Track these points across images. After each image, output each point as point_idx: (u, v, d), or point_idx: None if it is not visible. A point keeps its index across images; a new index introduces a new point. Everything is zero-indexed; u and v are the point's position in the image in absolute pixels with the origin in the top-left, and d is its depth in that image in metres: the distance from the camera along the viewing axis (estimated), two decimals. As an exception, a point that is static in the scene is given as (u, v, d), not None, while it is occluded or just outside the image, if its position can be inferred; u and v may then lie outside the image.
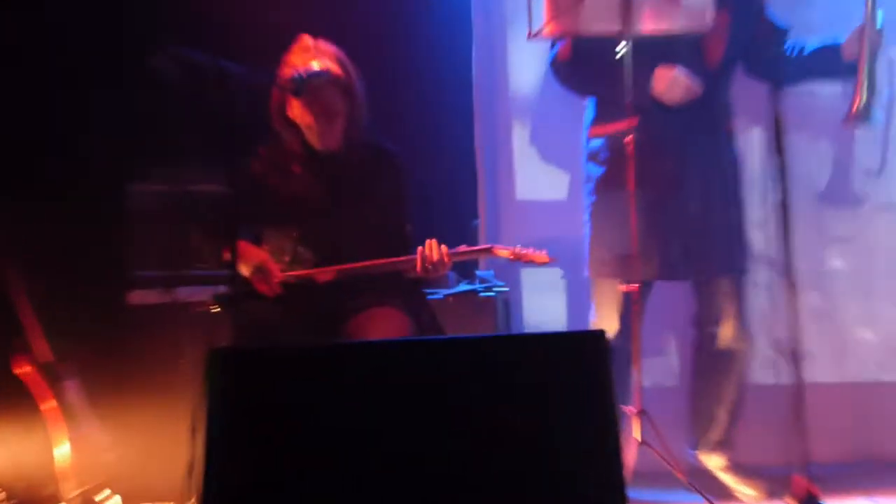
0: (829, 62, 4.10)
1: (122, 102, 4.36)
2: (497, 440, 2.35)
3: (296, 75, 3.68)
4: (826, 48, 4.13)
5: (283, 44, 3.74)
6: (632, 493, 2.50)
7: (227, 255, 3.42)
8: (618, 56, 3.85)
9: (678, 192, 4.14)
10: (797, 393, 3.75)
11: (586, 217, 4.29)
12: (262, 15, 4.12)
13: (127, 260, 4.25)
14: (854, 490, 4.26)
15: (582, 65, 4.14)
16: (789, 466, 3.78)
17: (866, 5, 3.98)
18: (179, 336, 4.16)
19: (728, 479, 4.33)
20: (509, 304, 4.55)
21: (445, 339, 3.06)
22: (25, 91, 4.39)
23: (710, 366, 4.35)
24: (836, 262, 4.80)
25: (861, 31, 3.99)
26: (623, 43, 3.85)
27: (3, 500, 3.86)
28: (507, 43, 4.80)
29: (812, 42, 4.18)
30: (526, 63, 4.77)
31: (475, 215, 4.78)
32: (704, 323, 4.37)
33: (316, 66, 3.68)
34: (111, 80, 4.36)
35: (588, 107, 4.31)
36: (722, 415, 4.36)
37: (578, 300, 4.63)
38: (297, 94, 3.68)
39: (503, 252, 3.66)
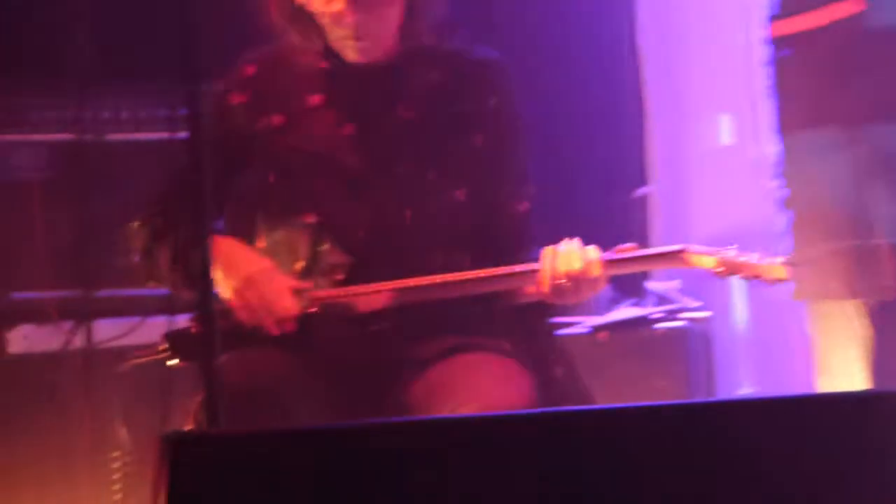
0: None
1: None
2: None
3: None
4: None
5: None
6: None
7: (190, 261, 2.76)
8: None
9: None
10: None
11: (775, 186, 3.73)
12: None
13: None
14: None
15: None
16: None
17: None
18: (98, 410, 3.77)
19: None
20: (711, 341, 4.18)
21: (605, 412, 2.42)
22: None
23: None
24: None
25: None
26: None
27: None
28: None
29: None
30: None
31: (641, 181, 4.64)
32: None
33: None
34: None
35: None
36: None
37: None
38: None
39: (704, 260, 3.08)
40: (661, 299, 4.15)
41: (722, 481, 2.21)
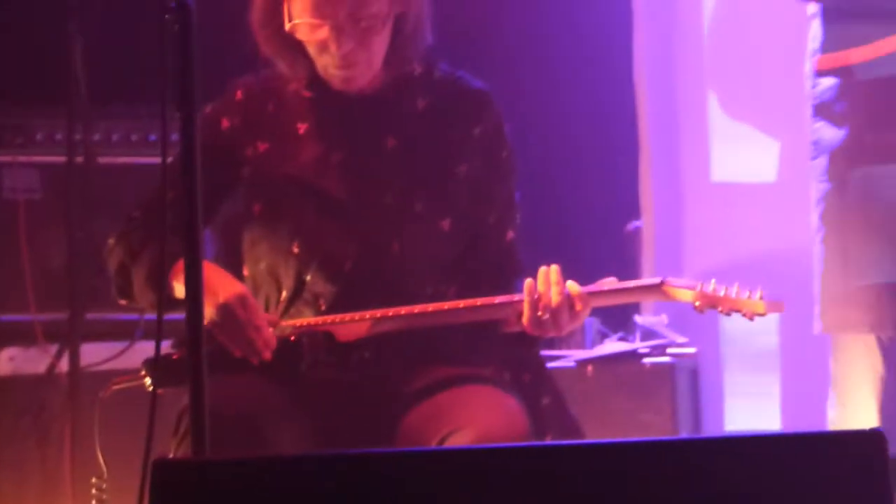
0: None
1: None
2: None
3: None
4: None
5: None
6: None
7: (162, 282, 2.85)
8: None
9: None
10: None
11: (816, 219, 3.69)
12: None
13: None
14: None
15: None
16: None
17: None
18: (82, 434, 3.69)
19: None
20: (699, 376, 4.25)
21: (592, 447, 2.41)
22: None
23: None
24: None
25: None
26: None
27: None
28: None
29: None
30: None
31: (634, 213, 4.56)
32: None
33: None
34: None
35: (813, 20, 3.71)
36: None
37: (807, 367, 4.17)
38: None
39: (683, 293, 3.08)
40: (649, 334, 4.12)
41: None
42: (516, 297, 3.00)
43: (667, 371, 4.01)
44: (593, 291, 3.05)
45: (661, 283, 3.09)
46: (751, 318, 3.03)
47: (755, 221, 4.51)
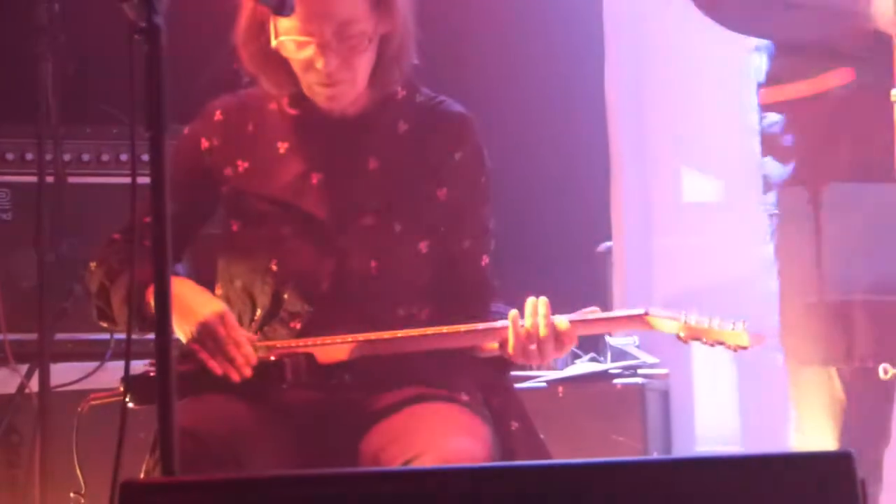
0: None
1: None
2: None
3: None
4: None
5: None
6: None
7: (141, 304, 2.96)
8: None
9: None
10: None
11: (771, 252, 3.69)
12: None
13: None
14: None
15: None
16: None
17: None
18: (53, 454, 3.66)
19: None
20: (669, 398, 4.24)
21: (564, 467, 2.36)
22: None
23: None
24: None
25: None
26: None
27: None
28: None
29: None
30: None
31: (605, 234, 4.60)
32: None
33: None
34: None
35: (758, 52, 3.74)
36: None
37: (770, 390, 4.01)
38: (279, 10, 2.93)
39: (667, 324, 3.09)
40: (620, 354, 4.13)
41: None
42: (499, 324, 3.03)
43: (637, 392, 4.02)
44: (577, 321, 3.07)
45: (645, 313, 3.11)
46: (734, 350, 3.05)
47: (726, 242, 4.50)
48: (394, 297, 3.12)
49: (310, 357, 3.11)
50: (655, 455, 3.93)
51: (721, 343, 3.06)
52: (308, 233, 3.17)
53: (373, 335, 3.08)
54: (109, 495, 2.34)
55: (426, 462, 2.93)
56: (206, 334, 3.01)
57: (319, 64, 3.05)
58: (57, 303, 3.84)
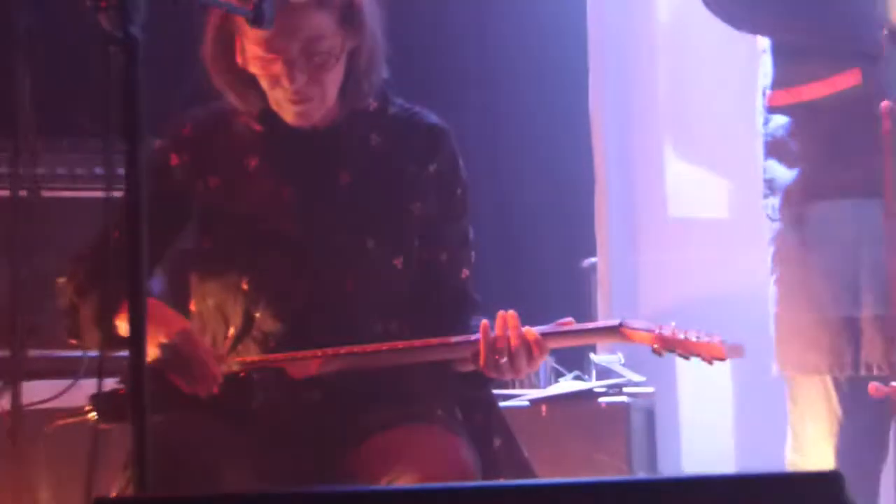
0: None
1: None
2: None
3: (253, -10, 3.24)
4: None
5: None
6: None
7: (112, 321, 2.89)
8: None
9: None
10: None
11: (769, 259, 3.71)
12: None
13: None
14: None
15: None
16: None
17: None
18: (24, 472, 3.66)
19: None
20: (654, 416, 4.22)
21: (547, 486, 2.32)
22: None
23: None
24: None
25: None
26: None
27: None
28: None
29: None
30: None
31: (590, 250, 4.61)
32: None
33: None
34: None
35: (763, 55, 3.74)
36: None
37: (762, 408, 4.12)
38: (255, 22, 2.91)
39: (641, 335, 3.08)
40: (605, 373, 4.12)
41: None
42: (473, 338, 3.01)
43: (622, 411, 4.00)
44: (550, 333, 3.05)
45: (620, 325, 3.09)
46: (710, 363, 3.02)
47: (711, 258, 4.53)
48: (370, 314, 3.10)
49: (280, 372, 3.08)
50: (641, 475, 3.90)
51: (696, 355, 3.05)
52: (280, 250, 3.15)
53: (343, 349, 3.05)
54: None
55: (406, 482, 2.89)
56: (171, 353, 3.00)
57: (286, 81, 3.05)
58: (29, 319, 3.79)
